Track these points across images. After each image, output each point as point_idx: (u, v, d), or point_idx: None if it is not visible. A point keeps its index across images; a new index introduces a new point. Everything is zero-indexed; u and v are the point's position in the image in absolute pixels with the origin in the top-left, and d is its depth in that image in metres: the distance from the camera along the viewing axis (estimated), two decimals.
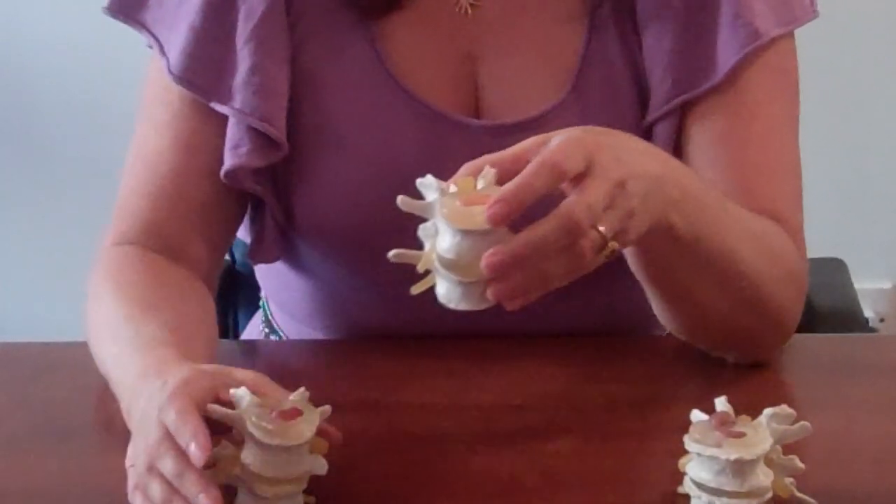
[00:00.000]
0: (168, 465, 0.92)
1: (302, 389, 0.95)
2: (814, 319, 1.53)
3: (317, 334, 1.35)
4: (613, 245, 0.96)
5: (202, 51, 1.23)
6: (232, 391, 0.95)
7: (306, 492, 0.95)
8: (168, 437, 0.92)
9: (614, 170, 0.96)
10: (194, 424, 0.91)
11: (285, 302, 1.38)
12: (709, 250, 1.08)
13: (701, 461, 0.91)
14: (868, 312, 2.69)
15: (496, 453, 1.05)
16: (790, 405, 0.95)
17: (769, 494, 0.92)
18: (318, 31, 1.25)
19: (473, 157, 1.22)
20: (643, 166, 1.00)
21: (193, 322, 1.14)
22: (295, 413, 0.93)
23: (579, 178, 0.95)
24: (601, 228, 0.95)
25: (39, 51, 2.83)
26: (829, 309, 1.53)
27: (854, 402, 1.15)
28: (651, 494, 0.99)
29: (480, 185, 0.95)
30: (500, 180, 0.95)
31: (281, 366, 1.28)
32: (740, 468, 0.90)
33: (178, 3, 1.25)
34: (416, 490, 1.00)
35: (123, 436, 1.04)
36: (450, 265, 0.93)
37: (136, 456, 0.96)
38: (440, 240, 0.94)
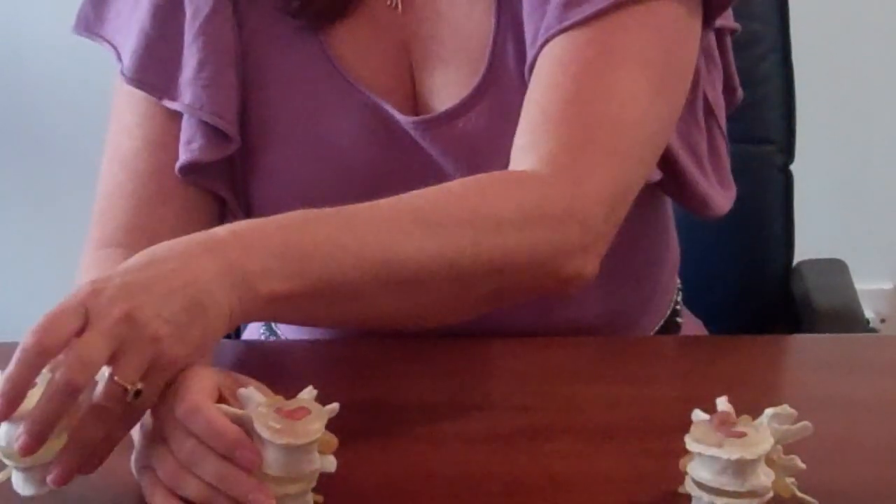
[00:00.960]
0: (209, 469, 0.92)
1: (309, 388, 0.95)
2: (815, 319, 1.53)
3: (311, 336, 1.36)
4: (136, 386, 0.91)
5: (152, 51, 1.27)
6: (240, 391, 0.94)
7: (314, 490, 0.95)
8: (201, 442, 0.92)
9: (112, 308, 0.91)
10: (233, 433, 0.91)
11: None
12: (360, 272, 1.03)
13: (702, 461, 0.91)
14: (869, 313, 2.69)
15: (497, 453, 1.05)
16: (791, 405, 0.95)
17: (770, 494, 0.92)
18: (265, 26, 1.28)
19: (409, 150, 1.24)
20: (175, 280, 0.94)
21: None
22: (302, 412, 0.93)
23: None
24: (115, 377, 0.90)
25: (39, 51, 2.83)
26: (830, 309, 1.54)
27: (855, 402, 1.15)
28: (652, 494, 0.98)
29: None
30: None
31: (281, 365, 1.28)
32: (741, 468, 0.90)
33: (131, 10, 1.29)
34: (417, 490, 1.00)
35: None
36: (5, 454, 0.92)
37: (147, 457, 0.96)
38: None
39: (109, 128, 1.31)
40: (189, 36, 1.26)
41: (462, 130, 1.24)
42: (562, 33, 1.17)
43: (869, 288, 2.74)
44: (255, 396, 0.94)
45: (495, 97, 1.24)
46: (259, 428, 0.92)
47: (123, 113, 1.29)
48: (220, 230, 1.00)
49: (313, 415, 0.93)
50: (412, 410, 1.13)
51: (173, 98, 1.25)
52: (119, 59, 1.29)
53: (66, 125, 2.87)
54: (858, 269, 1.70)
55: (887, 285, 2.94)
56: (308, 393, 0.95)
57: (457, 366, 1.21)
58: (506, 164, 1.18)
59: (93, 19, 1.32)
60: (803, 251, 1.68)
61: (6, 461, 0.93)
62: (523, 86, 1.21)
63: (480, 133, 1.24)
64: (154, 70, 1.27)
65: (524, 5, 1.22)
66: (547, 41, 1.18)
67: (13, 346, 1.31)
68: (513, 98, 1.21)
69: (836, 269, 1.68)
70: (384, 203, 1.06)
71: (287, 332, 1.41)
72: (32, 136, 2.91)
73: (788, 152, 1.66)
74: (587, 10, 1.16)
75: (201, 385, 0.95)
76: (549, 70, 1.17)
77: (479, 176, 1.12)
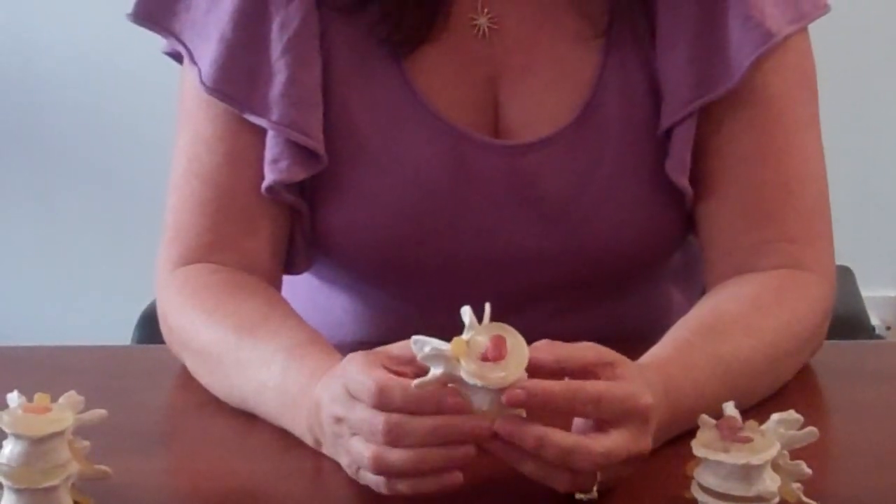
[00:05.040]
0: (418, 433, 0.93)
1: (467, 309, 0.96)
2: None
3: None
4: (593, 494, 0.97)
5: (234, 61, 1.23)
6: (422, 353, 0.95)
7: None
8: (399, 414, 0.94)
9: (644, 442, 0.97)
10: (432, 391, 0.93)
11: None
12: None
13: (708, 466, 0.92)
14: (874, 320, 2.68)
15: None
16: (797, 411, 0.95)
17: (776, 499, 0.92)
18: (345, 46, 1.25)
19: (493, 175, 1.24)
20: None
21: (305, 325, 1.17)
22: (501, 344, 0.94)
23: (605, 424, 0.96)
24: (598, 477, 0.96)
25: (46, 56, 2.84)
26: (836, 316, 1.53)
27: (860, 408, 1.15)
28: (658, 498, 0.98)
29: None
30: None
31: None
32: (747, 473, 0.90)
33: (207, 10, 1.24)
34: (424, 496, 1.00)
35: (129, 438, 1.04)
36: (2, 472, 0.92)
37: (356, 463, 0.97)
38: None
39: (180, 134, 1.27)
40: (277, 49, 1.22)
41: (553, 160, 1.24)
42: (727, 101, 1.23)
43: (875, 295, 2.74)
44: (441, 348, 0.94)
45: (589, 134, 1.25)
46: (467, 377, 0.93)
47: (200, 121, 1.25)
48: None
49: (510, 342, 0.94)
50: None
51: (258, 113, 1.22)
52: (192, 60, 1.24)
53: (74, 129, 2.87)
54: (864, 277, 1.70)
55: (893, 293, 2.94)
56: (467, 315, 0.96)
57: None
58: (592, 195, 1.24)
59: (158, 10, 1.26)
60: None
61: (2, 479, 0.93)
62: (623, 118, 1.24)
63: (569, 165, 1.24)
64: (236, 81, 1.23)
65: (667, 58, 1.24)
66: (710, 107, 1.23)
67: (21, 350, 1.32)
68: (607, 137, 1.24)
69: (842, 276, 1.67)
70: (750, 348, 1.13)
71: None
72: (40, 140, 2.91)
73: None
74: (742, 67, 1.22)
75: (368, 368, 0.97)
76: (744, 168, 1.24)
77: (777, 290, 1.21)
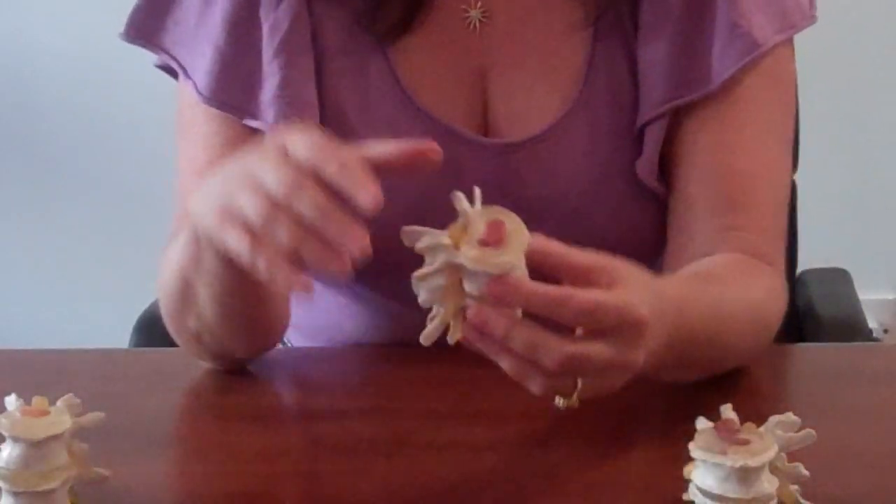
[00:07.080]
0: (307, 203, 0.89)
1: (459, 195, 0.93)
2: (818, 329, 1.53)
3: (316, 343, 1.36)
4: (573, 402, 0.96)
5: (230, 69, 1.24)
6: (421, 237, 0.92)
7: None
8: (309, 175, 0.90)
9: (632, 355, 0.95)
10: (364, 174, 0.90)
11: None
12: (699, 355, 1.08)
13: (706, 468, 0.92)
14: (872, 323, 2.69)
15: (502, 460, 1.05)
16: (795, 413, 0.95)
17: (774, 501, 0.92)
18: (336, 45, 1.26)
19: (483, 174, 1.24)
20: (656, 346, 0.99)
21: None
22: (500, 229, 0.91)
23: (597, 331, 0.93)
24: (579, 384, 0.95)
25: (45, 61, 2.84)
26: (834, 319, 1.54)
27: (858, 411, 1.15)
28: (656, 501, 0.99)
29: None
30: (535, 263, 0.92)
31: (288, 373, 1.28)
32: (745, 475, 0.90)
33: (197, 22, 1.26)
34: (422, 498, 1.01)
35: (127, 441, 1.04)
36: (5, 476, 0.92)
37: (230, 208, 0.94)
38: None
39: (181, 144, 1.28)
40: (269, 52, 1.24)
41: (541, 158, 1.25)
42: (704, 102, 1.23)
43: (872, 298, 2.74)
44: (439, 237, 0.91)
45: (582, 125, 1.25)
46: (489, 268, 0.89)
47: (200, 132, 1.26)
48: None
49: (508, 226, 0.91)
50: (417, 418, 1.13)
51: (254, 116, 1.24)
52: (186, 73, 1.26)
53: (74, 134, 2.88)
54: (862, 279, 1.70)
55: (890, 295, 2.94)
56: (460, 200, 0.92)
57: (462, 374, 1.20)
58: (580, 193, 1.24)
59: (148, 27, 1.28)
60: (807, 260, 1.68)
61: (1, 483, 0.93)
62: (610, 113, 1.25)
63: (558, 162, 1.25)
64: (232, 89, 1.24)
65: (647, 54, 1.24)
66: (686, 107, 1.23)
67: (20, 353, 1.32)
68: (598, 125, 1.25)
69: (839, 278, 1.68)
70: (730, 302, 1.13)
71: (295, 339, 1.41)
72: (39, 145, 2.92)
73: (792, 162, 1.65)
74: (724, 74, 1.22)
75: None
76: (711, 155, 1.24)
77: (743, 271, 1.19)
